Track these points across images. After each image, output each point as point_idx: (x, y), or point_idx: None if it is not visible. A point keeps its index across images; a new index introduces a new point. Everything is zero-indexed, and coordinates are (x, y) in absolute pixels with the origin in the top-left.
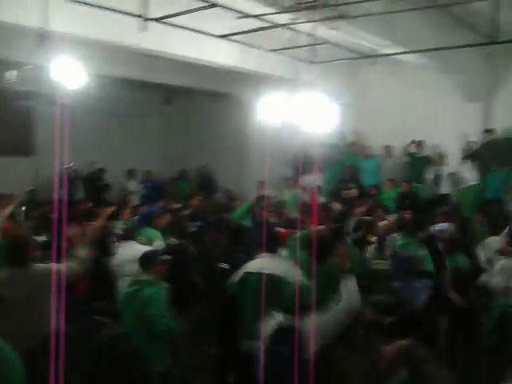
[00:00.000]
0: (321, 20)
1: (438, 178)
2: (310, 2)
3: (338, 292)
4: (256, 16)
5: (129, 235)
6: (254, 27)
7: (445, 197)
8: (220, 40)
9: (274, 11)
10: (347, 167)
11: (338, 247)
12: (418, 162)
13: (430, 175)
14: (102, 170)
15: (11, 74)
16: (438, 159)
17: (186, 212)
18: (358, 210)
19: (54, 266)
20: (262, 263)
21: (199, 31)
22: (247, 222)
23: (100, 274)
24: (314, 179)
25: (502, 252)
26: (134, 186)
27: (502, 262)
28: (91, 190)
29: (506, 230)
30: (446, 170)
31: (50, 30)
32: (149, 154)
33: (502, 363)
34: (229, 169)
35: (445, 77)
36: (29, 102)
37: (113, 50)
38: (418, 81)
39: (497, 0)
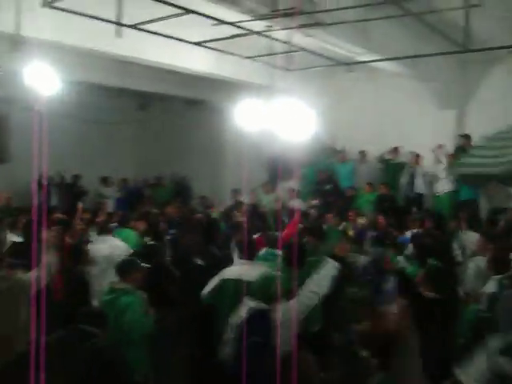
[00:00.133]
0: (296, 27)
1: (412, 179)
2: (286, 9)
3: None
4: (232, 23)
5: (105, 230)
6: (230, 34)
7: (420, 196)
8: (195, 47)
9: (250, 18)
10: (323, 171)
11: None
12: (393, 167)
13: (404, 178)
14: (77, 177)
15: None
16: (413, 160)
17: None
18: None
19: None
20: (239, 270)
21: (175, 38)
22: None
23: (74, 281)
24: (291, 184)
25: (479, 249)
26: (109, 192)
27: (476, 261)
28: (67, 197)
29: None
30: (420, 170)
31: (24, 35)
32: (124, 160)
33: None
34: (205, 175)
35: (420, 84)
36: (2, 107)
37: (88, 56)
38: (393, 88)
39: (468, 10)
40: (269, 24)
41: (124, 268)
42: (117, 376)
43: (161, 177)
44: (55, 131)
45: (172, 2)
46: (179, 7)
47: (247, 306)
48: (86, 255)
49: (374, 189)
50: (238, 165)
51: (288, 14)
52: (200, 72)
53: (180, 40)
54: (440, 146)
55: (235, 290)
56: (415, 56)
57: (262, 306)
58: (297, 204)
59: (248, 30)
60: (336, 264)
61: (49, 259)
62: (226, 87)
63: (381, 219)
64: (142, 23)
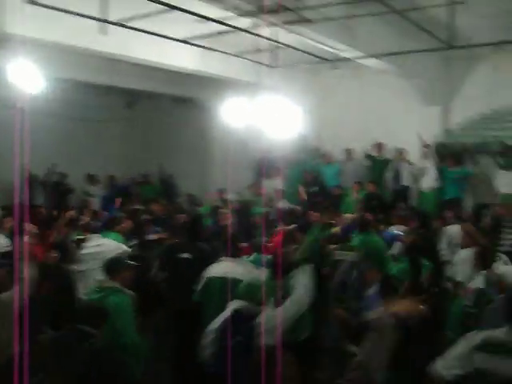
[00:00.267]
0: (281, 24)
1: (397, 174)
2: (271, 6)
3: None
4: (217, 21)
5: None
6: (216, 31)
7: (406, 189)
8: (181, 44)
9: (235, 15)
10: (309, 172)
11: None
12: (379, 164)
13: (389, 173)
14: (63, 175)
15: None
16: (397, 155)
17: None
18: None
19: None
20: (225, 267)
21: (160, 35)
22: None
23: (60, 279)
24: (276, 183)
25: (464, 244)
26: (95, 190)
27: (462, 253)
28: (53, 195)
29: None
30: (405, 165)
31: (7, 32)
32: (112, 158)
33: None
34: (192, 173)
35: (404, 81)
36: None
37: (74, 54)
38: (378, 85)
39: (452, 7)
40: (254, 21)
41: (112, 266)
42: (115, 377)
43: (148, 174)
44: (41, 129)
45: None
46: (164, 4)
47: (232, 306)
48: (71, 253)
49: (362, 187)
50: (225, 162)
51: (273, 10)
52: (187, 69)
53: (166, 37)
54: (426, 146)
55: (220, 289)
56: (399, 53)
57: (248, 306)
58: (283, 205)
59: (234, 27)
60: (311, 271)
61: (31, 273)
62: (213, 85)
63: (368, 216)
64: (127, 20)
